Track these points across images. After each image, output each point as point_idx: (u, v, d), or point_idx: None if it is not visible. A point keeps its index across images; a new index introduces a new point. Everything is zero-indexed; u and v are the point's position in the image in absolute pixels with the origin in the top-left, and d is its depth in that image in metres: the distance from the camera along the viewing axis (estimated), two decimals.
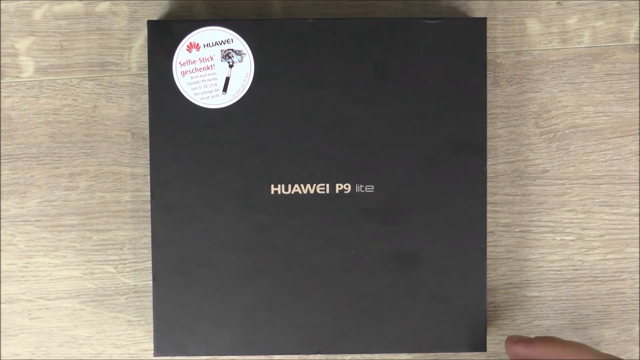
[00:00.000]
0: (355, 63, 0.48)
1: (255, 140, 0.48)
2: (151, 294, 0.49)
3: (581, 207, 0.52)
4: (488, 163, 0.51)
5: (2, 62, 0.51)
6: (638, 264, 0.53)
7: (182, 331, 0.48)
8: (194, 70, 0.48)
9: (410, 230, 0.48)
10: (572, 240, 0.52)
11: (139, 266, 0.52)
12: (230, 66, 0.48)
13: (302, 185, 0.48)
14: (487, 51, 0.49)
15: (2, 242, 0.51)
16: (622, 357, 0.51)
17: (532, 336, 0.46)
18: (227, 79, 0.48)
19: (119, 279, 0.52)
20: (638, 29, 0.52)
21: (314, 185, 0.48)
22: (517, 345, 0.46)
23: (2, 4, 0.51)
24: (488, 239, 0.51)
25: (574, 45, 0.52)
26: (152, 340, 0.49)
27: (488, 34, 0.50)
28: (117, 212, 0.52)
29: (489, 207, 0.50)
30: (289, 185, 0.48)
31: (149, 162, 0.48)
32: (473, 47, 0.48)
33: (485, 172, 0.48)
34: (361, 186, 0.48)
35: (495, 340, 0.52)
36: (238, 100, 0.48)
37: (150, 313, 0.51)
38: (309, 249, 0.48)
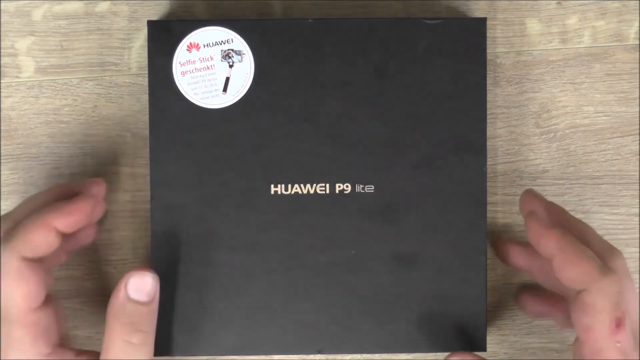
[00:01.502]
0: (355, 63, 0.48)
1: (255, 140, 0.48)
2: None
3: (581, 207, 0.52)
4: (488, 163, 0.51)
5: (2, 62, 0.51)
6: (638, 264, 0.53)
7: (182, 331, 0.48)
8: (194, 70, 0.48)
9: (410, 230, 0.48)
10: None
11: (139, 266, 0.52)
12: (230, 66, 0.48)
13: (302, 185, 0.48)
14: (487, 51, 0.49)
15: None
16: None
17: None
18: (227, 79, 0.48)
19: (119, 279, 0.52)
20: (638, 29, 0.52)
21: (314, 185, 0.48)
22: (535, 199, 0.47)
23: (2, 4, 0.51)
24: (488, 238, 0.51)
25: (574, 45, 0.52)
26: None
27: (488, 34, 0.50)
28: (117, 212, 0.52)
29: (489, 207, 0.50)
30: (289, 185, 0.48)
31: (149, 162, 0.48)
32: (473, 47, 0.48)
33: (485, 172, 0.48)
34: (361, 186, 0.48)
35: (495, 340, 0.52)
36: (238, 100, 0.48)
37: None
38: (309, 249, 0.48)
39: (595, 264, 0.41)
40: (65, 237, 0.45)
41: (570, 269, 0.42)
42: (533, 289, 0.51)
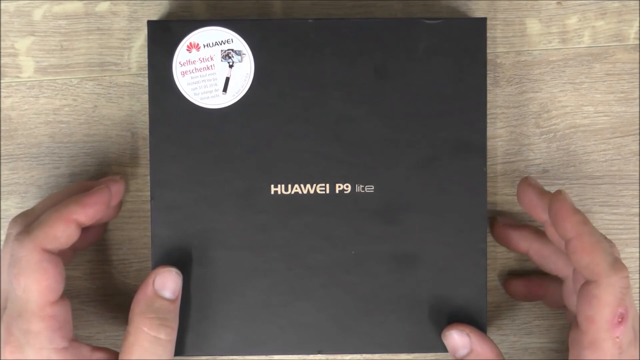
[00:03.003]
0: (355, 63, 0.48)
1: (255, 140, 0.48)
2: None
3: (581, 207, 0.52)
4: (488, 163, 0.51)
5: (2, 62, 0.51)
6: (638, 264, 0.53)
7: (182, 331, 0.48)
8: (194, 71, 0.48)
9: (410, 230, 0.48)
10: None
11: (139, 266, 0.52)
12: (230, 66, 0.48)
13: (302, 185, 0.48)
14: (487, 51, 0.49)
15: (2, 242, 0.51)
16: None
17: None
18: (227, 79, 0.48)
19: (119, 279, 0.52)
20: (638, 29, 0.52)
21: (314, 185, 0.48)
22: (531, 188, 0.47)
23: (2, 4, 0.51)
24: (488, 239, 0.51)
25: (574, 45, 0.52)
26: None
27: (488, 34, 0.50)
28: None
29: (489, 207, 0.50)
30: (289, 185, 0.48)
31: (149, 162, 0.48)
32: (473, 47, 0.48)
33: (485, 172, 0.48)
34: (361, 186, 0.48)
35: (495, 340, 0.52)
36: (238, 100, 0.48)
37: None
38: (309, 249, 0.48)
39: (608, 257, 0.43)
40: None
41: (584, 257, 0.43)
42: (522, 275, 0.52)
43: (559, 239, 0.46)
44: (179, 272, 0.46)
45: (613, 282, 0.42)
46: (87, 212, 0.45)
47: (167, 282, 0.45)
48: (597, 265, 0.42)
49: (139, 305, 0.45)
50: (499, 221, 0.51)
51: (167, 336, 0.44)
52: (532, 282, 0.51)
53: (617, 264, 0.42)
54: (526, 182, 0.47)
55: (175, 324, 0.45)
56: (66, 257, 0.49)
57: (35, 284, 0.43)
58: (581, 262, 0.43)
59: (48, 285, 0.43)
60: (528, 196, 0.47)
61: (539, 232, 0.50)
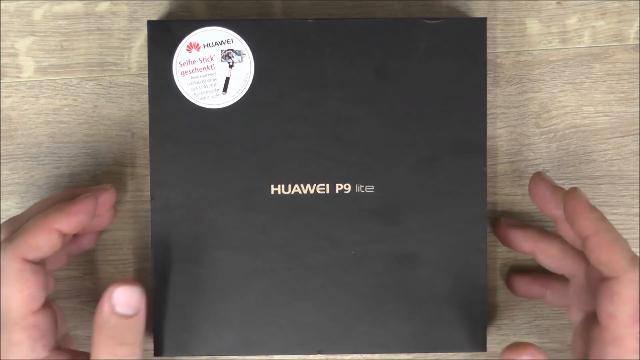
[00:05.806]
0: (355, 63, 0.48)
1: (255, 140, 0.48)
2: (151, 294, 0.49)
3: None
4: (488, 163, 0.51)
5: (2, 62, 0.51)
6: None
7: (182, 331, 0.48)
8: (194, 71, 0.48)
9: (410, 230, 0.48)
10: None
11: (139, 266, 0.52)
12: (230, 66, 0.48)
13: (302, 185, 0.48)
14: (487, 51, 0.49)
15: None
16: None
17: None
18: (227, 79, 0.48)
19: (119, 279, 0.52)
20: (638, 29, 0.52)
21: (314, 185, 0.48)
22: (544, 183, 0.47)
23: (2, 4, 0.51)
24: (488, 239, 0.51)
25: (574, 45, 0.52)
26: (152, 340, 0.49)
27: (488, 34, 0.50)
28: (117, 212, 0.52)
29: (489, 207, 0.50)
30: (289, 185, 0.48)
31: (149, 162, 0.48)
32: (473, 47, 0.48)
33: (485, 172, 0.48)
34: (361, 186, 0.48)
35: (495, 340, 0.52)
36: (238, 100, 0.48)
37: (150, 313, 0.50)
38: (309, 249, 0.48)
39: (627, 254, 0.43)
40: (67, 239, 0.45)
41: (602, 254, 0.43)
42: (524, 272, 0.52)
43: (572, 236, 0.46)
44: (139, 287, 0.44)
45: (633, 277, 0.42)
46: (70, 221, 0.44)
47: (125, 299, 0.43)
48: (617, 262, 0.42)
49: (96, 322, 0.43)
50: (503, 221, 0.51)
51: (124, 354, 0.43)
52: (535, 279, 0.51)
53: (635, 259, 0.43)
54: (539, 176, 0.47)
55: (135, 340, 0.44)
56: (60, 261, 0.48)
57: (17, 294, 0.43)
58: (600, 259, 0.43)
59: (29, 294, 0.43)
60: (541, 191, 0.47)
61: (543, 232, 0.50)
